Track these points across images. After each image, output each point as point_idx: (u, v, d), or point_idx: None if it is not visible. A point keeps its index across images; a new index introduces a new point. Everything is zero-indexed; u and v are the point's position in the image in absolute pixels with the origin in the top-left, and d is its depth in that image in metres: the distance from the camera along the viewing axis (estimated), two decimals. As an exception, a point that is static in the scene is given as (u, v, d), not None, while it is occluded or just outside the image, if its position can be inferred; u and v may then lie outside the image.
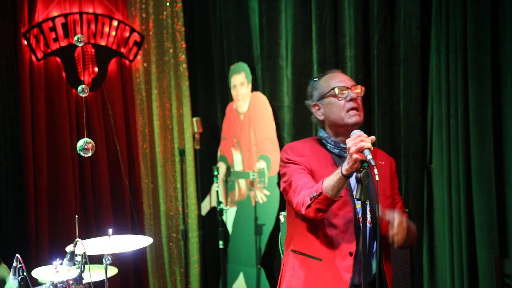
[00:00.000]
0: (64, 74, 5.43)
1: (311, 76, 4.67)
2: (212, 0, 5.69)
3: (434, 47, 3.87)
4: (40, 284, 3.44)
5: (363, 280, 2.51)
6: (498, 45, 3.59)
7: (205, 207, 5.79)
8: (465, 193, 3.70)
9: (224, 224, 5.39)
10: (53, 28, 5.35)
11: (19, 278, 3.22)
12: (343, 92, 2.73)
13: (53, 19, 5.35)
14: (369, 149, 2.43)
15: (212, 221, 5.62)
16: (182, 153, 5.65)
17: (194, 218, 5.76)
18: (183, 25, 5.79)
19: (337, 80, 2.78)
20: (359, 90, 2.77)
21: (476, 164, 3.64)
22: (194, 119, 5.60)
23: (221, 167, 5.62)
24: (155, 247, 5.81)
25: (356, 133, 2.51)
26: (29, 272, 3.36)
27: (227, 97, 5.59)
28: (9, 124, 5.10)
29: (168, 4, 5.75)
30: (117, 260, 3.47)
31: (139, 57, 5.77)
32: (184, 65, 5.80)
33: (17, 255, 3.25)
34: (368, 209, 2.67)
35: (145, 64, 5.79)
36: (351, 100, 2.72)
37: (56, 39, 5.37)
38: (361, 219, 2.50)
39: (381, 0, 4.17)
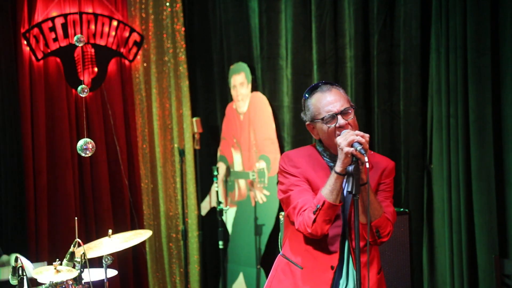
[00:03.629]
0: (64, 74, 5.42)
1: (311, 76, 4.67)
2: (212, 0, 5.69)
3: (434, 47, 3.88)
4: (40, 284, 3.44)
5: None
6: (498, 45, 3.59)
7: (205, 207, 5.79)
8: (465, 193, 3.70)
9: (224, 224, 5.39)
10: (52, 28, 5.35)
11: (19, 278, 3.23)
12: (332, 121, 2.68)
13: (52, 19, 5.35)
14: (358, 142, 2.48)
15: (212, 221, 5.62)
16: (182, 153, 5.64)
17: (194, 218, 5.76)
18: (183, 25, 5.79)
19: (325, 104, 2.68)
20: (348, 113, 2.68)
21: (476, 164, 3.64)
22: (194, 119, 5.60)
23: (221, 167, 5.62)
24: (155, 247, 5.81)
25: (346, 130, 2.58)
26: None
27: (227, 97, 5.59)
28: (9, 124, 5.10)
29: (168, 4, 5.75)
30: (117, 260, 3.48)
31: (138, 57, 5.76)
32: (184, 65, 5.79)
33: (17, 255, 3.25)
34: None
35: (144, 64, 5.79)
36: (340, 127, 2.66)
37: (55, 39, 5.37)
38: (354, 214, 2.49)
39: (381, 0, 4.17)
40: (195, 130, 5.58)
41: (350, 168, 2.49)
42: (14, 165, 5.11)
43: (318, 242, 2.69)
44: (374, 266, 2.76)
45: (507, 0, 3.53)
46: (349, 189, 2.48)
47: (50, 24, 5.34)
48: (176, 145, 5.78)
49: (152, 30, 5.77)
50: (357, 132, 2.55)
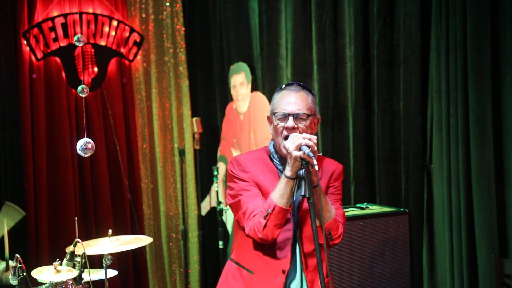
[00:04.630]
0: (63, 74, 5.43)
1: (311, 76, 4.67)
2: (212, 0, 5.69)
3: (434, 47, 3.88)
4: (40, 284, 3.44)
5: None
6: (498, 45, 3.59)
7: (205, 207, 5.79)
8: (465, 193, 3.70)
9: (224, 224, 5.39)
10: (52, 28, 5.35)
11: (19, 278, 3.23)
12: (282, 119, 2.67)
13: (52, 19, 5.35)
14: (306, 145, 2.46)
15: (212, 221, 5.62)
16: (182, 153, 5.64)
17: (194, 218, 5.76)
18: (183, 25, 5.79)
19: (284, 103, 2.68)
20: (302, 119, 2.64)
21: (476, 164, 3.64)
22: (194, 119, 5.60)
23: (221, 167, 5.62)
24: (155, 247, 5.81)
25: (293, 134, 2.56)
26: (28, 272, 3.36)
27: (227, 97, 5.59)
28: (9, 124, 5.10)
29: (168, 4, 5.75)
30: (116, 260, 3.47)
31: (138, 57, 5.77)
32: (184, 65, 5.79)
33: (17, 255, 3.25)
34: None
35: (144, 64, 5.79)
36: (287, 129, 2.65)
37: (55, 39, 5.37)
38: (310, 217, 2.45)
39: (381, 0, 4.17)
40: (195, 130, 5.58)
41: (302, 171, 2.48)
42: (14, 165, 5.11)
43: (269, 247, 2.66)
44: (324, 269, 2.71)
45: (507, 0, 3.53)
46: (302, 193, 2.46)
47: (50, 24, 5.34)
48: (176, 145, 5.78)
49: (152, 30, 5.77)
50: (305, 135, 2.52)
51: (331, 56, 4.51)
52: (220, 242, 5.33)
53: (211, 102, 5.83)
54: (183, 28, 5.78)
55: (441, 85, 3.82)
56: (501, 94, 3.61)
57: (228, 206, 5.47)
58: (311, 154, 2.44)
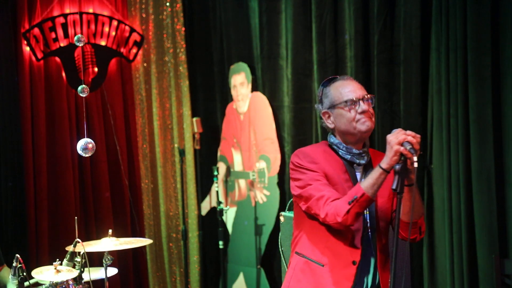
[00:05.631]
0: (64, 74, 5.43)
1: (311, 76, 4.67)
2: (212, 0, 5.69)
3: (434, 47, 3.87)
4: (40, 284, 3.44)
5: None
6: (498, 45, 3.59)
7: (205, 207, 5.79)
8: (465, 193, 3.70)
9: (224, 224, 5.38)
10: (53, 28, 5.35)
11: (19, 278, 3.23)
12: (354, 105, 2.71)
13: (53, 19, 5.35)
14: (409, 142, 2.48)
15: (212, 221, 5.62)
16: (182, 153, 5.64)
17: (194, 218, 5.76)
18: (183, 25, 5.79)
19: (348, 91, 2.74)
20: (370, 100, 2.74)
21: (476, 164, 3.64)
22: (194, 119, 5.60)
23: (221, 167, 5.62)
24: (155, 247, 5.81)
25: (397, 129, 2.56)
26: (29, 272, 3.36)
27: (227, 97, 5.59)
28: (9, 124, 5.10)
29: (168, 4, 5.75)
30: (117, 259, 3.48)
31: (138, 57, 5.77)
32: (184, 65, 5.79)
33: (17, 255, 3.26)
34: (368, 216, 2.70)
35: (145, 64, 5.79)
36: (362, 112, 2.70)
37: (56, 39, 5.37)
38: (396, 212, 2.48)
39: (381, 0, 4.16)
40: (195, 130, 5.58)
41: (397, 166, 2.48)
42: (14, 165, 5.11)
43: (339, 238, 2.67)
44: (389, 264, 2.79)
45: (507, 0, 3.53)
46: (394, 187, 2.47)
47: (50, 24, 5.34)
48: (176, 145, 5.78)
49: (152, 30, 5.77)
50: (409, 132, 2.53)
51: (331, 56, 4.51)
52: (220, 242, 5.33)
53: (211, 102, 5.83)
54: (183, 28, 5.78)
55: (441, 85, 3.82)
56: (501, 94, 3.60)
57: (228, 206, 5.48)
58: (412, 151, 2.45)
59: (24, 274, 3.26)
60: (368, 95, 2.74)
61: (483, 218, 3.62)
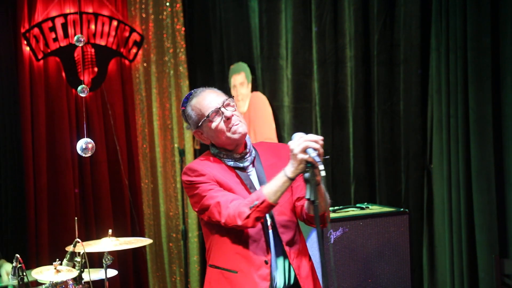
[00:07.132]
0: (64, 74, 5.43)
1: (311, 76, 4.67)
2: (212, 0, 5.69)
3: (434, 47, 3.87)
4: (40, 284, 3.44)
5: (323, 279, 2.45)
6: (498, 45, 3.59)
7: (205, 207, 5.78)
8: (465, 193, 3.70)
9: (224, 224, 5.38)
10: (53, 28, 5.35)
11: (19, 278, 3.23)
12: (218, 114, 2.65)
13: (53, 19, 5.35)
14: (313, 148, 2.39)
15: (212, 221, 5.61)
16: (182, 153, 5.64)
17: (194, 218, 5.76)
18: (183, 25, 5.79)
19: (206, 104, 2.66)
20: (231, 104, 2.66)
21: (476, 164, 3.64)
22: (194, 119, 5.60)
23: (221, 167, 5.61)
24: (155, 247, 5.81)
25: (298, 134, 2.48)
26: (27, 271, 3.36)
27: (227, 97, 5.59)
28: (9, 124, 5.10)
29: (168, 4, 5.75)
30: (117, 260, 3.47)
31: (139, 57, 5.77)
32: (184, 65, 5.80)
33: (17, 255, 3.26)
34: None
35: (145, 64, 5.79)
36: (228, 119, 2.64)
37: (56, 39, 5.37)
38: (315, 220, 2.41)
39: (381, 0, 4.17)
40: (195, 130, 5.57)
41: (307, 175, 2.41)
42: (14, 165, 5.11)
43: (247, 242, 2.63)
44: (306, 253, 2.73)
45: (507, 0, 3.53)
46: (308, 196, 2.41)
47: (50, 24, 5.34)
48: (176, 145, 5.78)
49: (152, 30, 5.77)
50: (310, 136, 2.44)
51: (331, 56, 4.51)
52: (220, 242, 5.32)
53: (211, 102, 5.82)
54: (183, 28, 5.79)
55: (441, 85, 3.82)
56: (501, 94, 3.60)
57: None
58: (317, 159, 2.37)
59: (24, 274, 3.26)
60: (227, 99, 2.67)
61: (483, 218, 3.62)
